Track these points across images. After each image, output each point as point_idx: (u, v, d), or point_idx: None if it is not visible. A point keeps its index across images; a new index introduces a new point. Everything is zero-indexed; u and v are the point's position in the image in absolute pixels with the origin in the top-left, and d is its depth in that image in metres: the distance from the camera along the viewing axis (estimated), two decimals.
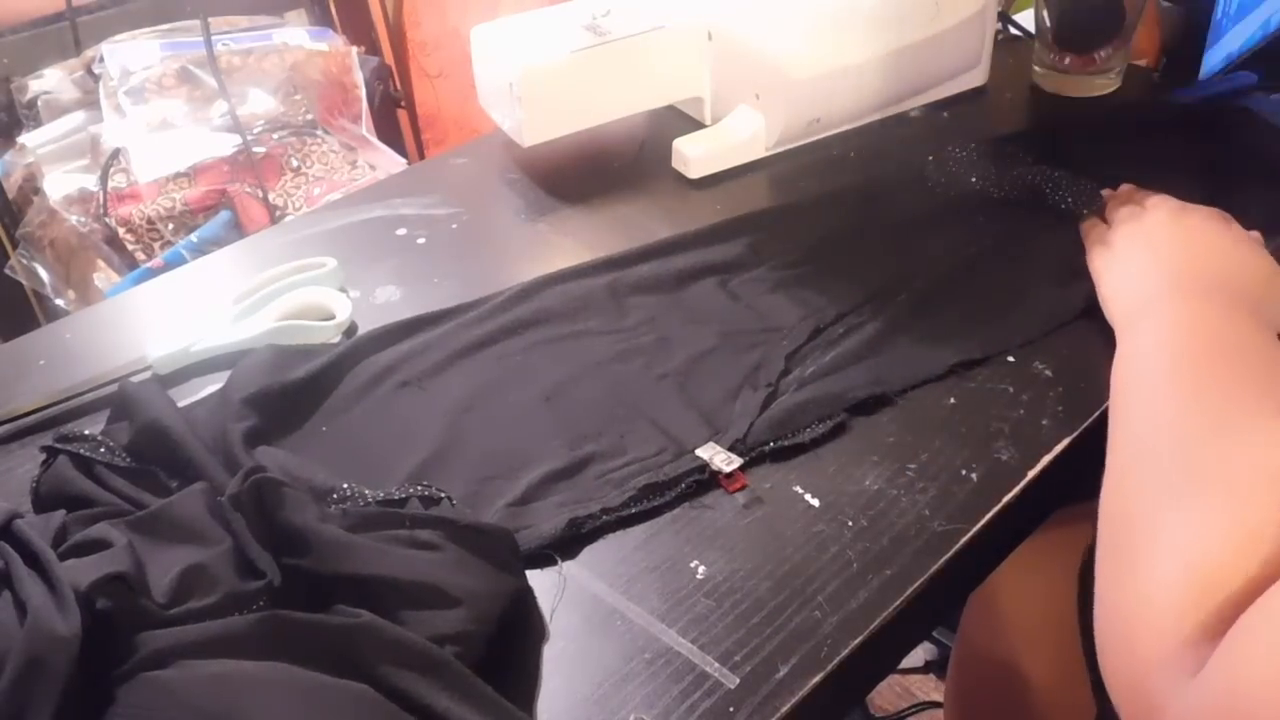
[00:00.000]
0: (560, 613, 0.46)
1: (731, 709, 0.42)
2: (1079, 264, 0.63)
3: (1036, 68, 0.87)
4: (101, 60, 1.34)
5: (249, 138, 1.29)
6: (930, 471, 0.52)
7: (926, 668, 1.32)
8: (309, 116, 1.37)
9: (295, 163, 1.33)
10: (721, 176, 0.77)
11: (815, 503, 0.50)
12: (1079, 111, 0.84)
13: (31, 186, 1.32)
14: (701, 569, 0.47)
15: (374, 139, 1.41)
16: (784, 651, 0.44)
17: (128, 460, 0.51)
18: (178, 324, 0.63)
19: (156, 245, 1.26)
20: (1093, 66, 0.83)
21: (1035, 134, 0.80)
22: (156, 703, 0.37)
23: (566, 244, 0.72)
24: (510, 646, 0.44)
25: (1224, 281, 0.55)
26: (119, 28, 1.39)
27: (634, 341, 0.61)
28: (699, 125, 0.82)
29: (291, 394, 0.56)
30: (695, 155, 0.76)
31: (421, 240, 0.72)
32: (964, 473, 0.52)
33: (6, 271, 1.33)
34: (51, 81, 1.36)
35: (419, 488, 0.49)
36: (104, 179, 1.25)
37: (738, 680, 0.42)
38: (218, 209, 1.27)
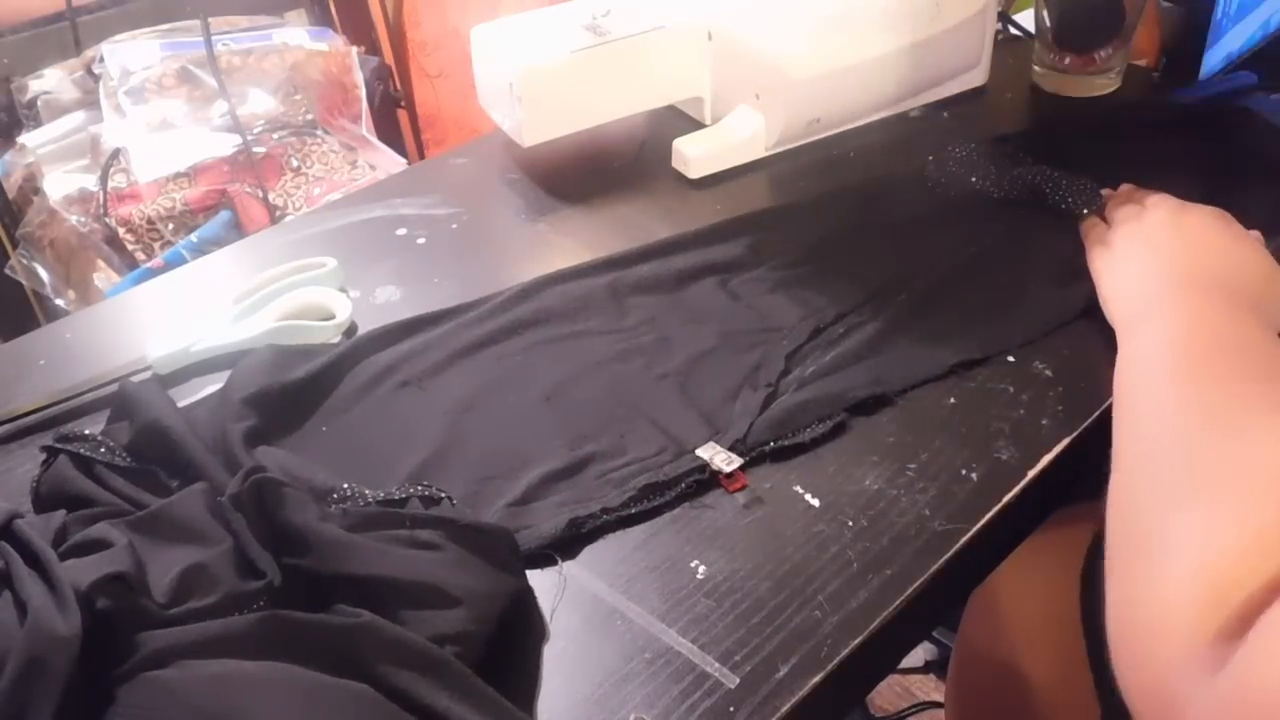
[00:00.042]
0: (560, 613, 0.46)
1: (731, 709, 0.42)
2: (1079, 264, 0.63)
3: (1036, 68, 0.87)
4: (101, 60, 1.34)
5: (249, 138, 1.29)
6: (930, 471, 0.52)
7: (926, 668, 1.32)
8: (309, 116, 1.37)
9: (295, 163, 1.33)
10: (721, 176, 0.77)
11: (815, 502, 0.50)
12: (1079, 111, 0.84)
13: (31, 186, 1.32)
14: (702, 569, 0.47)
15: (374, 139, 1.41)
16: (784, 651, 0.44)
17: (128, 460, 0.51)
18: (178, 324, 0.63)
19: (156, 245, 1.26)
20: (1093, 66, 0.83)
21: (1035, 134, 0.80)
22: (156, 703, 0.37)
23: (566, 244, 0.72)
24: (510, 646, 0.44)
25: (1224, 281, 0.55)
26: (119, 28, 1.39)
27: (634, 341, 0.61)
28: (699, 125, 0.82)
29: (291, 394, 0.56)
30: (695, 155, 0.76)
31: (421, 240, 0.72)
32: (964, 473, 0.52)
33: (6, 271, 1.33)
34: (51, 81, 1.36)
35: (419, 488, 0.49)
36: (104, 179, 1.25)
37: (738, 680, 0.42)
38: (218, 209, 1.27)
